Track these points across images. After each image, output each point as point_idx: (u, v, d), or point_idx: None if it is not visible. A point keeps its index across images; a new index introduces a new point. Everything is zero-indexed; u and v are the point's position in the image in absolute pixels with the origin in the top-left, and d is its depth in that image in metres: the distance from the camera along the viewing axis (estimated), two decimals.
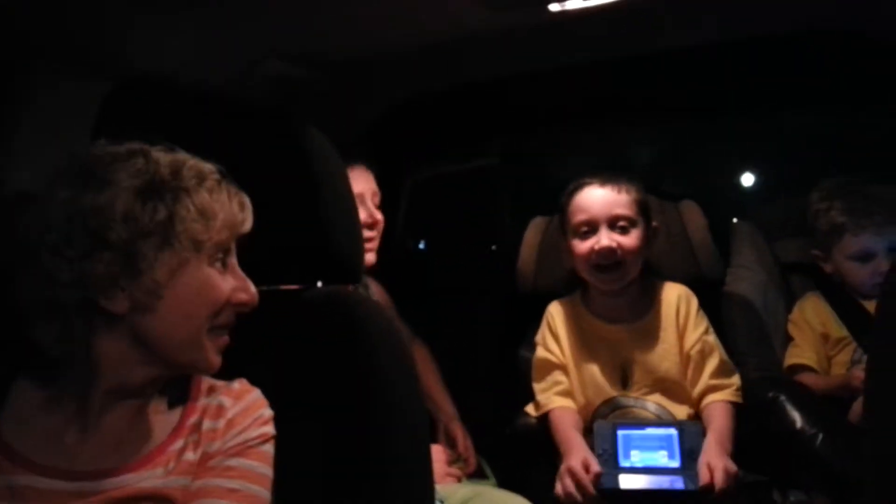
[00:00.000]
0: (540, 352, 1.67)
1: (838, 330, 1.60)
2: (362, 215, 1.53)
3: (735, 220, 1.94)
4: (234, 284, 0.84)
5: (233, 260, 0.85)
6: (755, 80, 1.93)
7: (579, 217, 1.55)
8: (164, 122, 0.91)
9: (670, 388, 1.57)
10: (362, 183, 1.59)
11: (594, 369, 1.59)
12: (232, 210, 0.83)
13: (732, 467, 1.37)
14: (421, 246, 3.03)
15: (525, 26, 1.52)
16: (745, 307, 1.71)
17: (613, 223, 1.53)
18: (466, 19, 1.46)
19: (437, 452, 1.56)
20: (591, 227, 1.54)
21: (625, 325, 1.61)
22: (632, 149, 3.48)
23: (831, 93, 1.96)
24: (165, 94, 1.34)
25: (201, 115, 1.14)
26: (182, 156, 0.82)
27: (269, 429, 0.85)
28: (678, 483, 1.39)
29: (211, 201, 0.80)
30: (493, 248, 3.09)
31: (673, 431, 1.46)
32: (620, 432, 1.48)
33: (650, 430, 1.47)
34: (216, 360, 0.84)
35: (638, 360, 1.57)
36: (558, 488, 1.41)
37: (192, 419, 0.84)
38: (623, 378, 1.58)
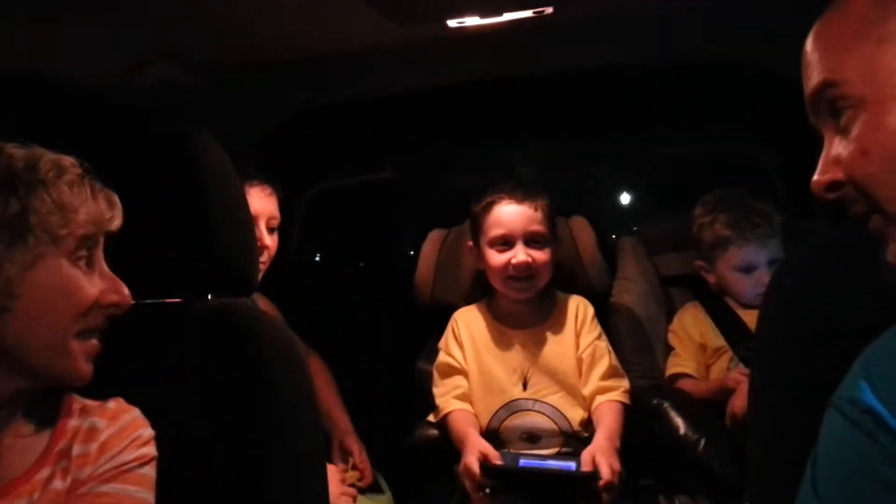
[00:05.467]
0: (442, 356, 1.70)
1: (716, 339, 1.68)
2: None
3: (614, 236, 2.02)
4: (102, 285, 0.78)
5: (100, 259, 0.79)
6: (638, 104, 2.03)
7: (497, 231, 1.61)
8: (37, 121, 0.85)
9: (568, 390, 1.63)
10: (257, 203, 1.52)
11: (496, 372, 1.64)
12: (97, 206, 0.77)
13: (617, 465, 1.42)
14: (317, 259, 2.98)
15: (424, 42, 1.53)
16: (630, 318, 1.79)
17: (529, 239, 1.60)
18: (365, 32, 1.45)
19: (332, 472, 1.52)
20: (508, 242, 1.61)
21: (527, 329, 1.68)
22: (520, 165, 3.58)
23: (707, 120, 2.09)
24: (41, 91, 1.25)
25: (80, 114, 1.07)
26: (40, 150, 0.76)
27: (149, 450, 0.79)
28: (571, 466, 1.44)
29: (71, 195, 0.75)
30: (362, 264, 3.08)
31: (572, 464, 1.48)
32: (522, 463, 1.49)
33: (551, 464, 1.49)
34: (86, 368, 0.77)
35: (537, 364, 1.64)
36: (468, 484, 1.46)
37: (62, 444, 0.77)
38: (523, 381, 1.63)
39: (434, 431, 1.67)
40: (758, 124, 1.98)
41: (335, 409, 1.76)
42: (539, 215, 1.61)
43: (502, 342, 1.67)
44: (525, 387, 1.63)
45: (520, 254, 1.59)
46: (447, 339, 1.71)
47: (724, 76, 1.79)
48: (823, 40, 0.68)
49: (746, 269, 1.67)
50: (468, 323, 1.71)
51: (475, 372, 1.66)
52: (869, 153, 0.64)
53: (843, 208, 0.70)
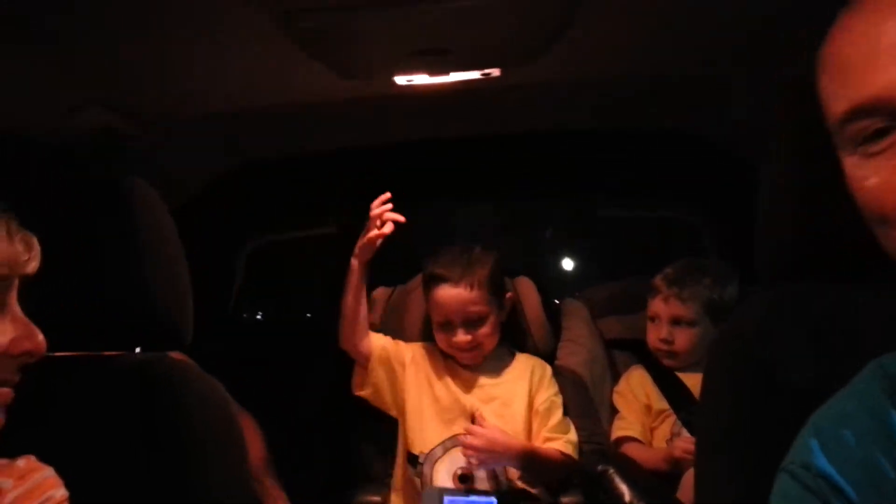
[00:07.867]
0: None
1: (659, 402, 1.69)
2: None
3: (556, 300, 2.03)
4: (13, 332, 0.72)
5: (14, 303, 0.73)
6: (581, 168, 2.07)
7: (437, 316, 1.66)
8: None
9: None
10: None
11: (445, 403, 1.65)
12: (13, 247, 0.72)
13: (486, 440, 1.52)
14: (258, 316, 2.90)
15: (370, 98, 1.54)
16: (575, 380, 1.78)
17: (467, 321, 1.63)
18: (310, 86, 1.45)
19: None
20: (448, 323, 1.64)
21: (481, 375, 1.70)
22: (465, 224, 3.60)
23: (646, 187, 2.15)
24: None
25: (9, 155, 1.02)
26: None
27: None
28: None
29: None
30: (308, 315, 3.02)
31: (493, 499, 1.52)
32: (447, 498, 1.52)
33: (473, 497, 1.53)
34: None
35: (486, 407, 1.64)
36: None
37: None
38: (471, 419, 1.63)
39: (374, 498, 1.61)
40: (693, 192, 2.05)
41: (266, 473, 1.67)
42: (475, 294, 1.61)
43: (456, 379, 1.69)
44: (472, 423, 1.62)
45: (458, 336, 1.62)
46: (398, 343, 1.73)
47: (662, 144, 1.85)
48: None
49: (652, 318, 1.73)
50: (422, 355, 1.72)
51: (423, 399, 1.66)
52: None
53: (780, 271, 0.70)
